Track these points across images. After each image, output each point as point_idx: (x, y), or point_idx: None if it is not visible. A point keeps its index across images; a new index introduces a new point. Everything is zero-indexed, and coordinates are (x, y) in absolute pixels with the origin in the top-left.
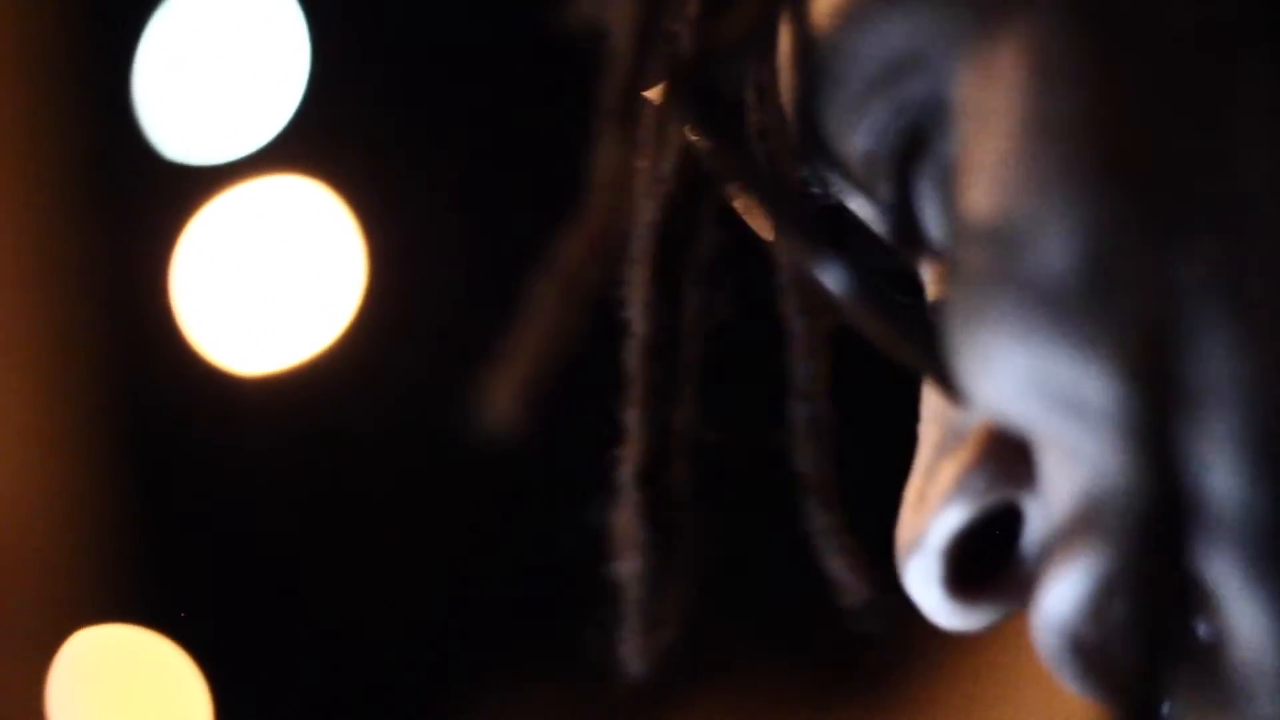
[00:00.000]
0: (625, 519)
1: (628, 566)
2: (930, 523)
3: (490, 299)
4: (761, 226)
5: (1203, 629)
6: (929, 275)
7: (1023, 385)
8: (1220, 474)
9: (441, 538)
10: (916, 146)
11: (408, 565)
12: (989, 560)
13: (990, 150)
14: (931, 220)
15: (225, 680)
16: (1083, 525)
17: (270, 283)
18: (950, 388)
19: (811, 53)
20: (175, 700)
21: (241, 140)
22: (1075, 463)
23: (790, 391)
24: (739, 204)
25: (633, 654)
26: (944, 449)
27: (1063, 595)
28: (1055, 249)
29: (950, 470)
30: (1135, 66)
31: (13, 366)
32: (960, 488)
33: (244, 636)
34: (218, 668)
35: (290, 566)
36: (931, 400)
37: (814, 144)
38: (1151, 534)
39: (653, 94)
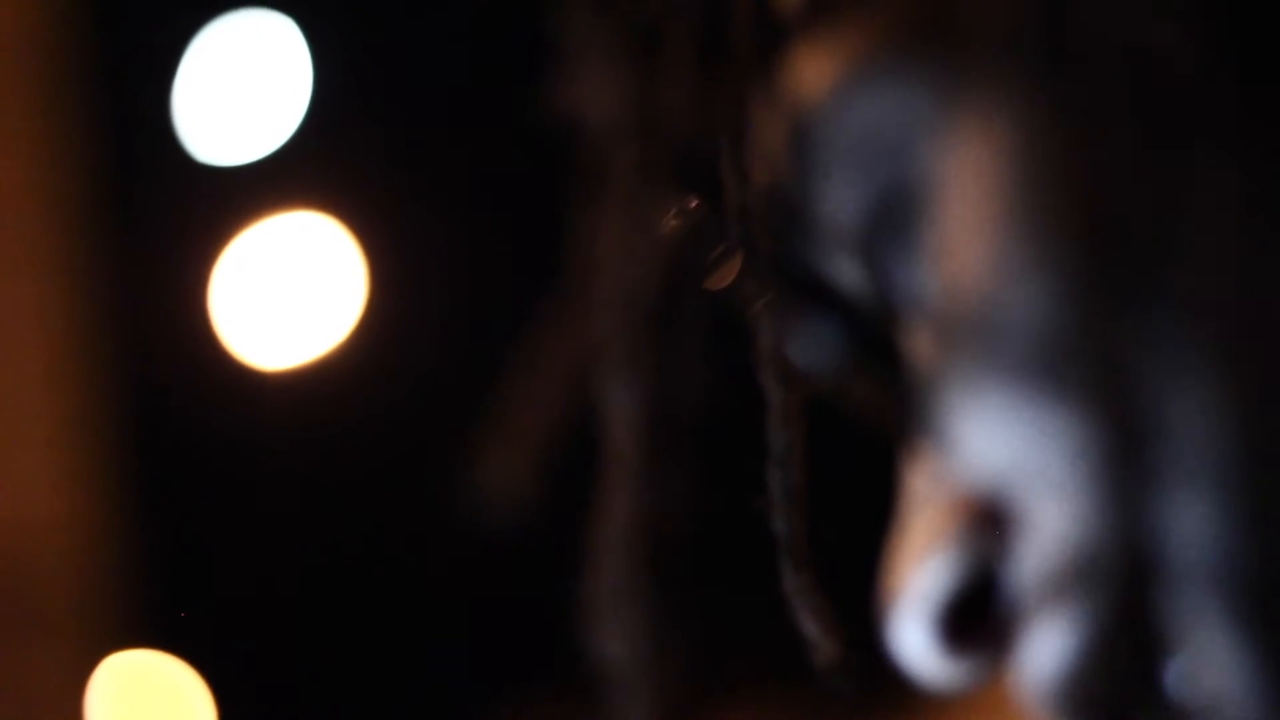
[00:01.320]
0: (619, 590)
1: (622, 638)
2: (914, 580)
3: (494, 328)
4: (743, 299)
5: (1178, 676)
6: (907, 342)
7: (999, 445)
8: (1192, 523)
9: (454, 567)
10: (895, 219)
11: (415, 594)
12: (970, 617)
13: (960, 223)
14: (909, 290)
15: (241, 707)
16: (1064, 578)
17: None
18: (931, 449)
19: (793, 134)
20: None
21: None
22: (1054, 519)
23: (767, 459)
24: (722, 279)
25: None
26: (927, 507)
27: (1050, 648)
28: (1021, 317)
29: (933, 528)
30: (1094, 142)
31: (38, 390)
32: (944, 545)
33: (256, 660)
34: (235, 696)
35: (300, 594)
36: (913, 461)
37: (794, 220)
38: (1123, 583)
39: (637, 173)
